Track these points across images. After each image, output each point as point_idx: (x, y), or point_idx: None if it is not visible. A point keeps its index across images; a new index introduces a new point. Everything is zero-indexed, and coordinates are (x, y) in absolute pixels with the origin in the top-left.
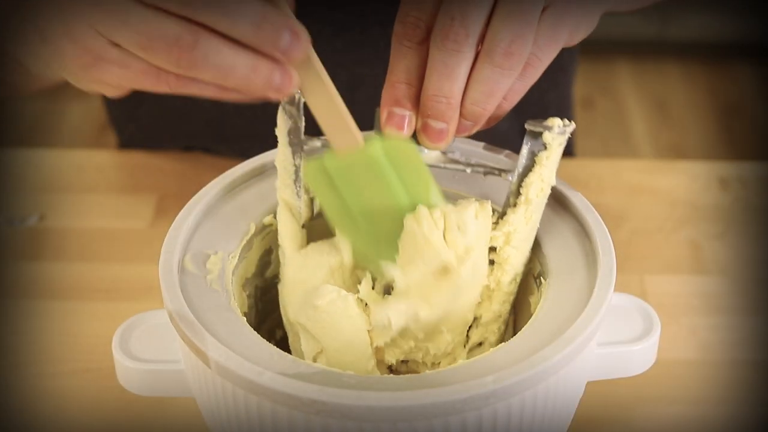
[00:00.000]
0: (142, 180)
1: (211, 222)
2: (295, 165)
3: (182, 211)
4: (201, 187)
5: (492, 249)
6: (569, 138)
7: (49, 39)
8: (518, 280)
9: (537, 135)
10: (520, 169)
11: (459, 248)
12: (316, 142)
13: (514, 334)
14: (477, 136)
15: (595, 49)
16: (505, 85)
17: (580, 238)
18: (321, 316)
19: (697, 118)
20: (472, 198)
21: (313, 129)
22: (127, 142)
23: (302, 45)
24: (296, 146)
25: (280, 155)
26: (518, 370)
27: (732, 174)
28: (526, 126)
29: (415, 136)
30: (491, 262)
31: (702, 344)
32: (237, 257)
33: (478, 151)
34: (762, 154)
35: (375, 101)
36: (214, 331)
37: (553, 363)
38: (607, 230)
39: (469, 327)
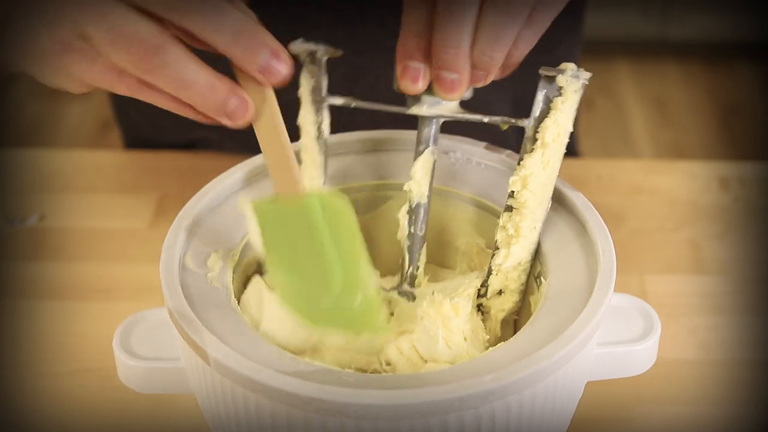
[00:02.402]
0: (142, 180)
1: (212, 220)
2: (317, 122)
3: (183, 209)
4: (201, 187)
5: (510, 194)
6: (573, 137)
7: (22, 29)
8: (538, 228)
9: (551, 79)
10: (536, 113)
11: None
12: (338, 100)
13: (514, 333)
14: (476, 134)
15: (595, 49)
16: (512, 30)
17: (580, 238)
18: None
19: (697, 118)
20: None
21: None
22: (129, 130)
23: (284, 64)
24: (318, 103)
25: (303, 114)
26: (517, 369)
27: (732, 174)
28: (541, 72)
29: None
30: (509, 209)
31: (702, 344)
32: (238, 255)
33: (479, 151)
34: (762, 154)
35: (374, 94)
36: (214, 329)
37: (553, 362)
38: (607, 230)
39: (489, 275)
